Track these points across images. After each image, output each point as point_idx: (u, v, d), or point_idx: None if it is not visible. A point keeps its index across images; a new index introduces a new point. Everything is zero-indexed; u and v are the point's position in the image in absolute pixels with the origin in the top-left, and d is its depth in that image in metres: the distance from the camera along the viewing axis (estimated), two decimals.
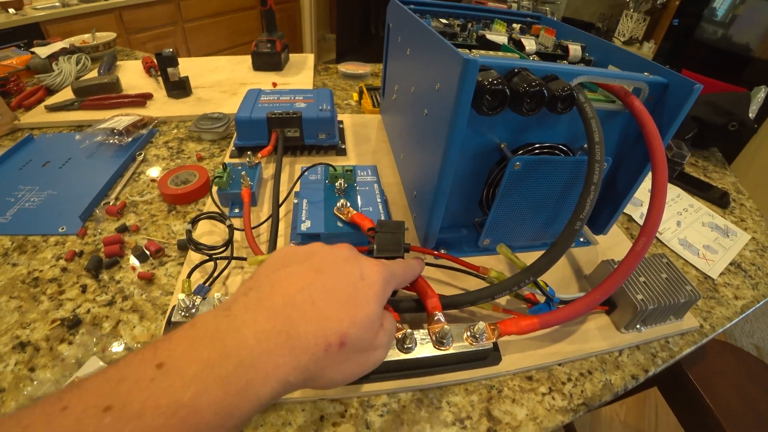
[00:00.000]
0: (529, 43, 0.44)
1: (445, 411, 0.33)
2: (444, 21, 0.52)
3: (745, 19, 1.98)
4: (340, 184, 0.43)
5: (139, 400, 0.15)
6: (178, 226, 0.50)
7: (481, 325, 0.32)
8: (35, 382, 0.34)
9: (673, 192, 0.73)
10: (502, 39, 0.44)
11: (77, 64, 0.94)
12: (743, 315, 0.52)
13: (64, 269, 0.45)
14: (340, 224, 0.39)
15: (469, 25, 0.51)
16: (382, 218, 0.41)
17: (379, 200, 0.43)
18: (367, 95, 0.78)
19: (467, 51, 0.36)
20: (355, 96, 0.81)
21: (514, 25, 0.58)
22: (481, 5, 0.65)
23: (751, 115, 0.82)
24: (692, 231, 0.63)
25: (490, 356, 0.34)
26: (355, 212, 0.39)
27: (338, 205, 0.40)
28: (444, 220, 0.43)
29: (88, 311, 0.40)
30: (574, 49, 0.48)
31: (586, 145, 0.42)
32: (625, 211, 0.64)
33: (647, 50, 2.32)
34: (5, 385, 0.34)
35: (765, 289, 0.57)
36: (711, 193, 0.74)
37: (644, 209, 0.65)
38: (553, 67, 0.35)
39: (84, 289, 0.43)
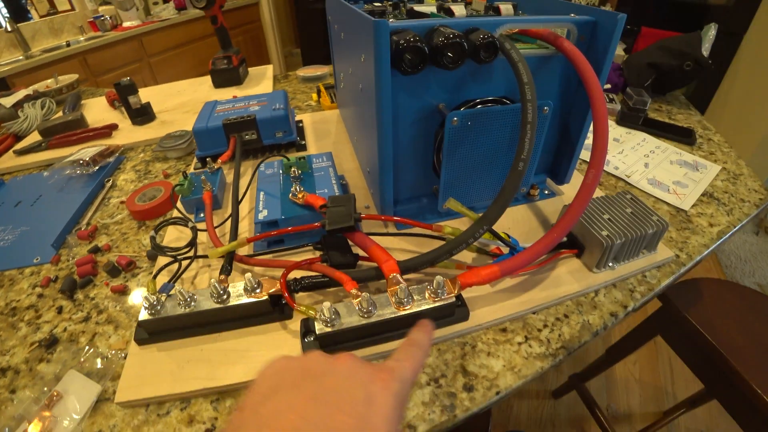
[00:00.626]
0: (459, 9, 0.45)
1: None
2: (378, 4, 0.53)
3: None
4: (294, 171, 0.44)
5: None
6: (147, 240, 0.51)
7: (440, 279, 0.32)
8: (15, 402, 0.35)
9: (639, 137, 0.74)
10: (431, 8, 0.45)
11: (42, 108, 0.95)
12: (720, 240, 0.53)
13: (40, 295, 0.46)
14: (295, 208, 0.40)
15: (402, 4, 0.52)
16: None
17: (334, 182, 0.43)
18: (325, 92, 0.79)
19: None
20: (315, 96, 0.82)
21: None
22: None
23: (705, 52, 0.83)
24: (661, 170, 0.64)
25: (456, 312, 0.34)
26: (308, 194, 0.40)
27: (292, 190, 0.41)
28: (403, 192, 0.44)
29: (65, 329, 0.41)
30: (506, 8, 0.48)
31: None
32: (588, 159, 0.65)
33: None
34: None
35: (740, 213, 0.57)
36: (676, 133, 0.75)
37: (609, 156, 0.66)
38: (474, 20, 0.36)
39: (60, 310, 0.43)
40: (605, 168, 0.63)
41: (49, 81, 1.14)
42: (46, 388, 0.36)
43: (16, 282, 0.48)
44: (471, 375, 0.33)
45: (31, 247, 0.53)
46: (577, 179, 0.56)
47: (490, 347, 0.35)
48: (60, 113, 0.94)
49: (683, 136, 0.74)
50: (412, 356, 0.24)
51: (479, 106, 0.38)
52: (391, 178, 0.39)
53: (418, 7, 0.45)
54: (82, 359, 0.38)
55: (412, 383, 0.23)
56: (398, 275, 0.32)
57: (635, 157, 0.66)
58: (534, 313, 0.38)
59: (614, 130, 0.76)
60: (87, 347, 0.39)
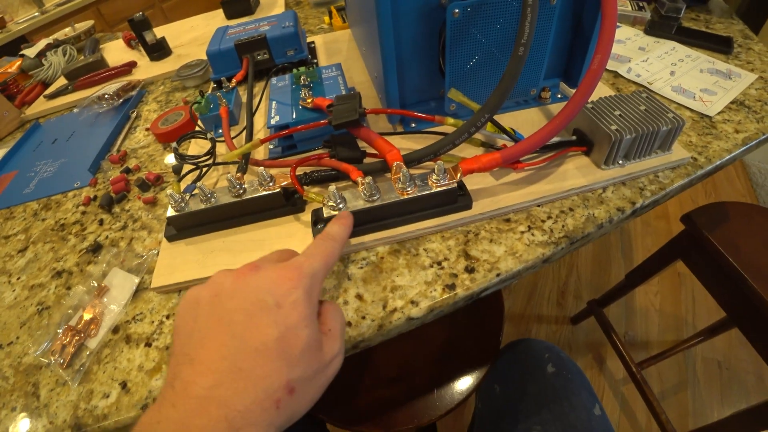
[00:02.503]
0: None
1: (422, 257, 0.35)
2: None
3: None
4: (303, 79, 0.45)
5: None
6: (172, 159, 0.54)
7: (441, 164, 0.33)
8: (71, 294, 0.40)
9: (668, 45, 0.69)
10: None
11: (64, 55, 0.98)
12: (745, 147, 0.50)
13: (83, 213, 0.51)
14: (305, 112, 0.41)
15: None
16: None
17: (342, 88, 0.44)
18: (336, 14, 0.77)
19: None
20: (327, 19, 0.81)
21: None
22: None
23: None
24: (688, 78, 0.60)
25: (459, 200, 0.36)
26: (317, 98, 0.41)
27: (302, 95, 0.42)
28: (409, 96, 0.44)
29: (107, 237, 0.46)
30: None
31: None
32: (610, 68, 0.62)
33: None
34: (50, 304, 0.41)
35: None
36: (712, 41, 0.70)
37: (631, 64, 0.62)
38: None
39: (101, 222, 0.48)
40: (625, 75, 0.60)
41: (67, 30, 1.17)
42: (95, 283, 0.41)
43: (62, 204, 0.53)
44: (473, 259, 0.35)
45: (70, 174, 0.58)
46: (600, 88, 0.54)
47: (493, 235, 0.37)
48: (81, 57, 0.96)
49: (719, 45, 0.68)
50: (323, 250, 0.25)
51: None
52: (395, 74, 0.39)
53: None
54: (123, 259, 0.42)
55: (325, 274, 0.24)
56: (402, 163, 0.34)
57: (661, 65, 0.63)
58: (539, 205, 0.39)
59: (641, 39, 0.71)
60: (126, 249, 0.43)
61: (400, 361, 0.60)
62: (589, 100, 0.42)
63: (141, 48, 0.90)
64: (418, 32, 0.40)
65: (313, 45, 0.68)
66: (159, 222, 0.46)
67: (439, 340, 0.60)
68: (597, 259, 1.46)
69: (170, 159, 0.55)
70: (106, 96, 0.70)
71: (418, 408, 0.55)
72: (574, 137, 0.42)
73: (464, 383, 0.56)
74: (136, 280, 0.40)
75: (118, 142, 0.62)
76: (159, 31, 0.89)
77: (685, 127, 0.52)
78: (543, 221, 0.38)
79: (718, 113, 0.54)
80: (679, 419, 1.06)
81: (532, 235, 0.37)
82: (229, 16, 0.91)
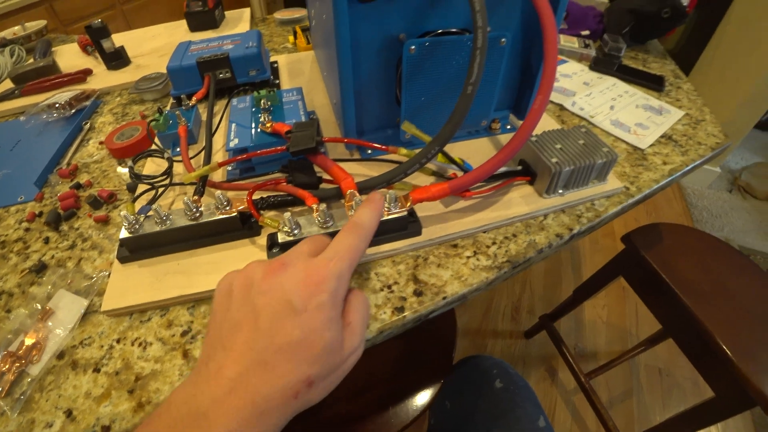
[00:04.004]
0: None
1: (373, 281, 0.37)
2: None
3: None
4: (264, 102, 0.46)
5: None
6: (127, 174, 0.53)
7: (392, 193, 0.35)
8: (11, 318, 0.38)
9: (609, 81, 0.75)
10: None
11: (12, 56, 0.93)
12: (671, 177, 0.55)
13: (27, 230, 0.48)
14: (264, 136, 0.42)
15: None
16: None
17: (302, 113, 0.45)
18: (301, 34, 0.79)
19: None
20: (291, 39, 0.82)
21: None
22: None
23: (684, 1, 0.83)
24: (625, 113, 0.66)
25: (410, 227, 0.38)
26: (276, 123, 0.42)
27: (261, 119, 0.43)
28: (368, 123, 0.46)
29: (53, 257, 0.44)
30: None
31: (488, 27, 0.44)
32: (556, 100, 0.67)
33: None
34: None
35: (695, 155, 0.60)
36: (647, 79, 0.77)
37: (576, 98, 0.68)
38: None
39: (47, 240, 0.46)
40: (570, 108, 0.65)
41: (15, 28, 1.10)
42: (38, 306, 0.39)
43: (3, 219, 0.50)
44: (421, 282, 0.37)
45: (14, 187, 0.54)
46: (544, 120, 0.59)
47: (441, 260, 0.39)
48: (31, 60, 0.92)
49: (653, 83, 0.76)
50: (350, 245, 0.25)
51: (439, 36, 0.40)
52: (353, 104, 0.41)
53: None
54: (70, 280, 0.41)
55: (351, 271, 0.25)
56: (355, 191, 0.35)
57: (602, 100, 0.68)
58: (485, 231, 0.42)
59: (586, 74, 0.77)
60: (74, 270, 0.42)
61: (357, 378, 0.61)
62: (535, 134, 0.46)
63: (97, 55, 0.87)
64: (377, 64, 0.42)
65: (276, 65, 0.69)
66: (111, 242, 0.44)
67: (394, 357, 0.61)
68: (549, 275, 1.53)
69: (124, 172, 0.54)
70: (57, 105, 0.67)
71: (374, 424, 0.56)
72: (519, 167, 0.46)
73: (419, 400, 0.58)
74: (85, 302, 0.39)
75: (69, 154, 0.60)
76: (119, 38, 0.87)
77: (620, 158, 0.57)
78: (488, 246, 0.40)
79: (650, 146, 0.60)
80: (625, 425, 1.13)
81: (477, 260, 0.39)
82: (193, 28, 0.90)
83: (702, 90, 1.91)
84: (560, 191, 0.45)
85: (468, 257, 0.39)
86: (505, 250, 0.40)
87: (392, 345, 0.63)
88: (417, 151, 0.37)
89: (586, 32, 0.90)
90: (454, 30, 0.41)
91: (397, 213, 0.35)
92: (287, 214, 0.33)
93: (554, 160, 0.43)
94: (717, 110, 1.78)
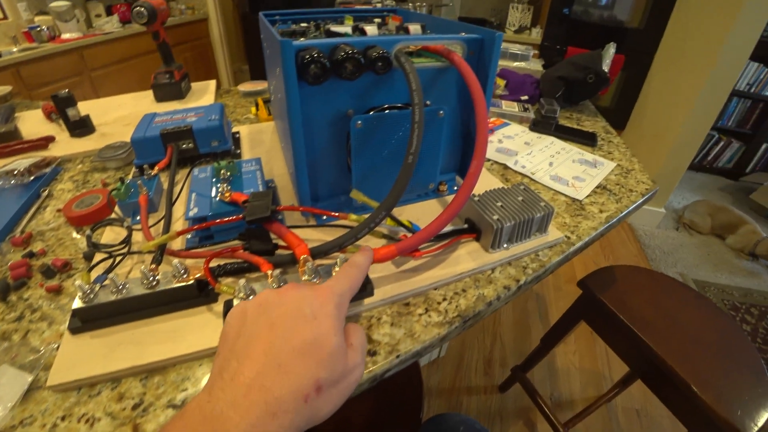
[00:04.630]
0: (372, 29, 0.52)
1: None
2: (304, 24, 0.59)
3: None
4: (223, 173, 0.48)
5: None
6: (84, 243, 0.53)
7: (343, 257, 0.37)
8: None
9: (548, 140, 0.83)
10: (346, 29, 0.51)
11: None
12: (608, 224, 0.61)
13: None
14: (222, 205, 0.44)
15: (322, 24, 0.58)
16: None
17: (260, 183, 0.48)
18: (263, 106, 0.84)
19: None
20: (253, 110, 0.87)
21: (375, 19, 0.65)
22: (347, 6, 0.73)
23: (605, 67, 0.95)
24: (563, 167, 0.73)
25: (363, 288, 0.39)
26: (234, 193, 0.44)
27: (220, 189, 0.45)
28: (323, 190, 0.49)
29: None
30: (414, 28, 0.55)
31: (427, 102, 0.49)
32: (500, 161, 0.73)
33: (536, 35, 2.58)
34: None
35: (628, 201, 0.67)
36: (581, 137, 0.85)
37: (518, 157, 0.74)
38: (373, 38, 0.42)
39: None
40: (513, 167, 0.71)
41: None
42: None
43: None
44: (375, 342, 0.38)
45: None
46: (483, 177, 0.64)
47: (394, 319, 0.41)
48: None
49: (587, 139, 0.85)
50: (348, 275, 0.31)
51: (375, 111, 0.44)
52: (306, 176, 0.44)
53: (335, 28, 0.52)
54: (14, 354, 0.39)
55: (351, 294, 0.30)
56: (308, 257, 0.37)
57: (542, 157, 0.75)
58: (435, 288, 0.44)
59: (527, 135, 0.85)
60: (19, 343, 0.40)
61: None
62: (478, 194, 0.50)
63: (62, 122, 0.88)
64: (328, 136, 0.46)
65: (238, 135, 0.73)
66: (63, 312, 0.43)
67: (359, 423, 0.60)
68: (518, 325, 1.56)
69: (81, 240, 0.54)
70: (16, 171, 0.67)
71: None
72: (466, 225, 0.49)
73: None
74: (29, 378, 0.37)
75: (24, 222, 0.59)
76: (85, 106, 0.89)
77: (561, 209, 0.62)
78: (439, 303, 0.43)
79: (587, 197, 0.66)
80: None
81: (429, 316, 0.41)
82: (159, 98, 0.94)
83: (637, 140, 2.13)
84: (505, 245, 0.49)
85: (420, 314, 0.41)
86: (455, 306, 0.43)
87: (358, 409, 0.62)
88: (366, 216, 0.40)
89: (525, 97, 1.00)
90: (399, 105, 0.46)
91: None
92: (242, 281, 0.35)
93: (496, 217, 0.47)
94: (653, 157, 1.98)
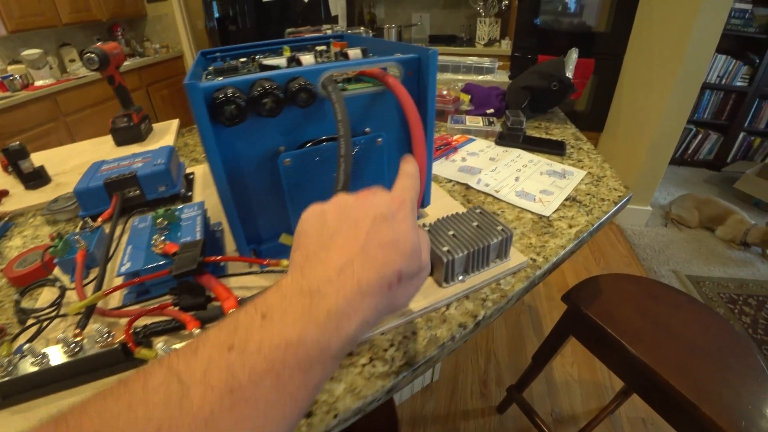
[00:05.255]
0: (308, 59, 0.50)
1: None
2: (244, 60, 0.57)
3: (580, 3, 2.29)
4: (160, 222, 0.46)
5: (255, 340, 0.20)
6: (25, 305, 0.50)
7: None
8: None
9: (514, 153, 0.82)
10: (280, 61, 0.50)
11: None
12: (578, 239, 0.57)
13: None
14: (155, 257, 0.42)
15: (256, 57, 0.57)
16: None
17: (198, 230, 0.45)
18: None
19: None
20: None
21: (319, 47, 0.64)
22: (297, 36, 0.72)
23: (569, 74, 0.95)
24: (530, 181, 0.71)
25: None
26: (167, 243, 0.42)
27: (153, 241, 0.43)
28: (266, 231, 0.47)
29: None
30: (354, 53, 0.54)
31: (367, 129, 0.47)
32: (461, 181, 0.71)
33: (506, 47, 2.62)
34: None
35: (599, 212, 0.64)
36: (549, 146, 0.84)
37: (481, 175, 0.72)
38: (297, 70, 0.40)
39: None
40: (475, 186, 0.69)
41: None
42: None
43: None
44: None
45: None
46: (442, 200, 0.62)
47: (334, 372, 0.37)
48: None
49: (555, 149, 0.83)
50: (409, 185, 0.31)
51: (308, 145, 0.42)
52: (237, 222, 0.42)
53: (267, 61, 0.50)
54: None
55: (417, 193, 0.31)
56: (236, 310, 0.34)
57: (507, 173, 0.73)
58: (382, 334, 0.40)
59: (492, 150, 0.84)
60: None
61: None
62: (429, 223, 0.48)
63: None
64: (262, 176, 0.43)
65: (192, 176, 0.71)
66: None
67: None
68: (512, 340, 1.51)
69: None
70: None
71: None
72: None
73: None
74: None
75: None
76: (45, 156, 0.87)
77: (526, 229, 0.59)
78: (385, 350, 0.39)
79: (555, 211, 0.63)
80: None
81: (374, 366, 0.37)
82: (119, 143, 0.92)
83: (616, 140, 2.13)
84: (460, 278, 0.45)
85: (363, 365, 0.38)
86: (403, 352, 0.39)
87: None
88: None
89: (490, 111, 1.00)
90: (333, 137, 0.44)
91: None
92: (160, 344, 0.32)
93: (445, 248, 0.44)
94: (634, 155, 1.97)
